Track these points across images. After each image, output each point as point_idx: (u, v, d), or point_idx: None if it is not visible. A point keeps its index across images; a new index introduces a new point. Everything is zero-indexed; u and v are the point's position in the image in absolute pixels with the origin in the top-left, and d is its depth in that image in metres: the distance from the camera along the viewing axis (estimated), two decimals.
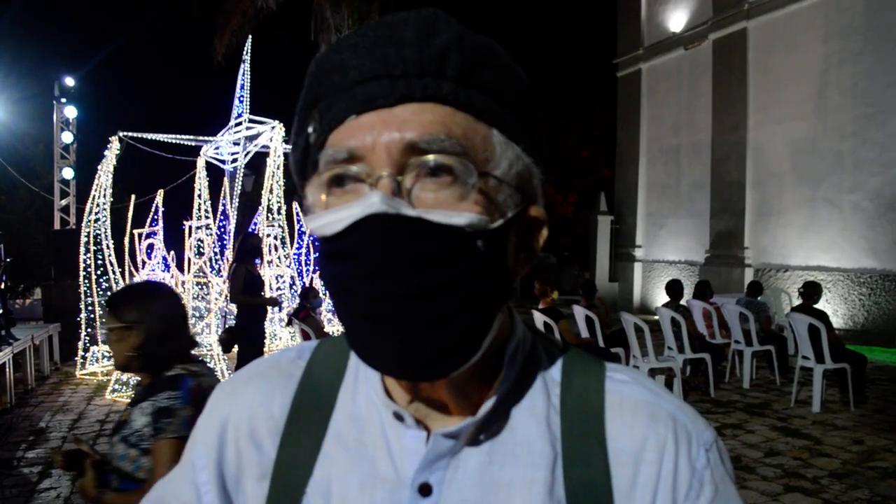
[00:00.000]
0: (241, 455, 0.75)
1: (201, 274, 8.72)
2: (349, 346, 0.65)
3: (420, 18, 0.61)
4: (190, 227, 9.08)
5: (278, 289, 10.77)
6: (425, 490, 0.67)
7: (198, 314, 8.75)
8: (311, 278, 11.48)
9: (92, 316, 9.34)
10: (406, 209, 0.58)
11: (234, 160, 11.77)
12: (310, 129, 0.65)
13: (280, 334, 10.92)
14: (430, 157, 0.59)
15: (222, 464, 0.75)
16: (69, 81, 12.82)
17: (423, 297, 0.58)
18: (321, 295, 7.91)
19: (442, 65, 0.60)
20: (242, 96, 11.17)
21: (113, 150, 9.54)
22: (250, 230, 9.86)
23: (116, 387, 7.95)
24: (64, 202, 13.37)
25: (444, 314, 0.59)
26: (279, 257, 10.96)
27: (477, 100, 0.62)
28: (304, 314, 7.35)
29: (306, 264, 11.94)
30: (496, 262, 0.63)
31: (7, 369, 7.32)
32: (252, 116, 10.98)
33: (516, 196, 0.65)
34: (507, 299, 0.67)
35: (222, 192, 10.88)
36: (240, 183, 11.49)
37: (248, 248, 7.16)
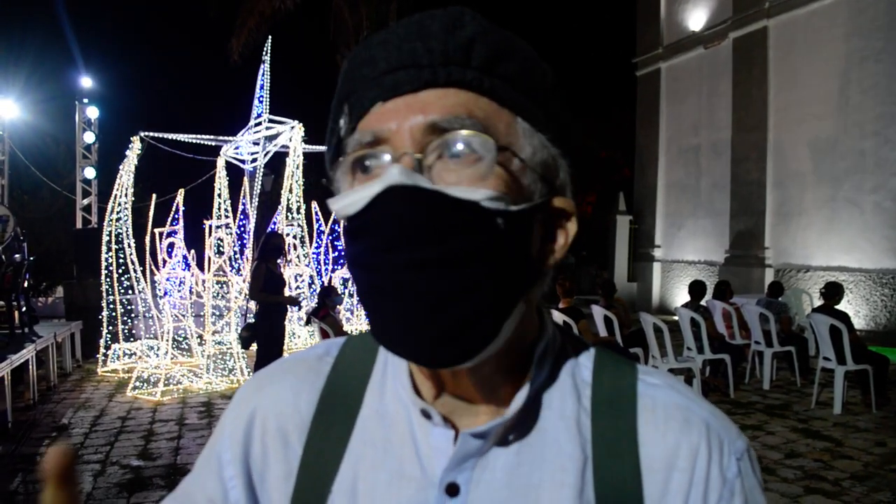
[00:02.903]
0: (267, 450, 0.74)
1: (221, 273, 8.79)
2: (374, 336, 0.65)
3: (447, 14, 0.63)
4: (210, 226, 9.14)
5: (297, 288, 10.83)
6: (453, 490, 0.66)
7: (217, 312, 8.82)
8: (330, 277, 11.54)
9: (114, 314, 9.44)
10: (424, 183, 0.59)
11: (254, 160, 11.82)
12: (341, 122, 0.67)
13: (299, 333, 10.97)
14: (451, 135, 0.60)
15: (249, 459, 0.75)
16: (91, 82, 12.96)
17: (441, 266, 0.58)
18: (340, 294, 7.94)
19: (467, 55, 0.62)
20: (262, 96, 11.20)
21: (134, 149, 9.63)
22: (270, 229, 9.92)
23: (137, 384, 8.03)
24: (86, 201, 13.52)
25: (463, 286, 0.59)
26: (298, 256, 11.02)
27: (500, 87, 0.63)
28: (324, 313, 7.37)
29: (325, 263, 11.99)
30: (519, 245, 0.63)
31: (30, 366, 7.41)
32: (272, 116, 11.02)
33: (542, 185, 0.66)
34: (531, 287, 0.66)
35: (242, 191, 10.94)
36: (259, 182, 11.54)
37: (271, 247, 7.21)
